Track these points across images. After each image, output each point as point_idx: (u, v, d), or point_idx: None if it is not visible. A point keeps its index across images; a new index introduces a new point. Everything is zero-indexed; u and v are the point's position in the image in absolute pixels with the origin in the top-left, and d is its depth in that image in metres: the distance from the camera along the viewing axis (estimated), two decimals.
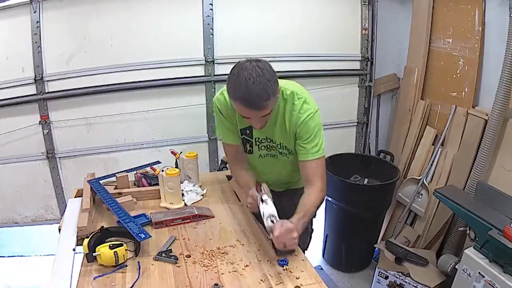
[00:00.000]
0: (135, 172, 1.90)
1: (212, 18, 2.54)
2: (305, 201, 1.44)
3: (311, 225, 1.92)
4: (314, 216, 1.89)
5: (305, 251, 1.90)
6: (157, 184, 1.73)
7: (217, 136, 1.66)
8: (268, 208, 1.34)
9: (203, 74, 2.64)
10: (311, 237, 1.94)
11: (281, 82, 1.46)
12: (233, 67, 1.32)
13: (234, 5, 2.59)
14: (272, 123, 1.51)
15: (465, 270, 1.84)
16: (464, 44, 2.37)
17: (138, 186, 1.83)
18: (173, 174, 1.63)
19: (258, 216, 1.46)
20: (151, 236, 1.35)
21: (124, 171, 1.84)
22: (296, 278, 1.23)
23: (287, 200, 1.80)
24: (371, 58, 2.97)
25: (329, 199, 2.62)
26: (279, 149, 1.60)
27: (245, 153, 1.66)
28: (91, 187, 1.68)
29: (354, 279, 2.65)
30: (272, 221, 1.30)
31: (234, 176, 1.66)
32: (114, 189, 1.75)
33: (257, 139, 1.61)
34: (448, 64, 2.51)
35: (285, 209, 1.79)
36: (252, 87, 1.24)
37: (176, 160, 1.88)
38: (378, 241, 2.73)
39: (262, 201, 1.37)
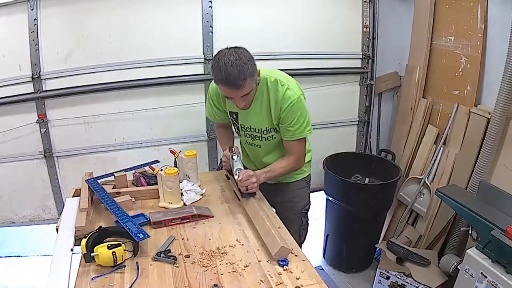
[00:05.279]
0: (133, 171, 1.88)
1: (212, 15, 2.52)
2: (275, 162, 1.74)
3: (307, 220, 1.96)
4: (307, 210, 1.96)
5: (302, 245, 1.91)
6: (156, 184, 1.73)
7: (207, 116, 1.96)
8: (236, 164, 1.68)
9: (202, 72, 2.62)
10: (306, 230, 2.01)
11: (266, 71, 1.65)
12: (215, 55, 1.51)
13: (234, 2, 2.57)
14: (257, 111, 1.68)
15: (467, 271, 1.83)
16: (466, 42, 2.35)
17: (137, 186, 1.81)
18: (172, 173, 1.62)
19: (230, 172, 1.79)
20: (149, 236, 1.34)
21: (123, 170, 1.83)
22: (296, 278, 1.22)
23: (278, 195, 1.85)
24: (372, 56, 2.95)
25: (330, 198, 2.61)
26: (265, 135, 1.74)
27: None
28: (89, 187, 1.67)
29: (355, 279, 2.64)
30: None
31: (217, 138, 2.11)
32: (112, 188, 1.74)
33: (242, 126, 1.79)
34: (450, 62, 2.49)
35: (278, 204, 1.87)
36: (230, 70, 1.42)
37: (175, 159, 1.87)
38: (379, 241, 2.71)
39: (233, 159, 1.70)
